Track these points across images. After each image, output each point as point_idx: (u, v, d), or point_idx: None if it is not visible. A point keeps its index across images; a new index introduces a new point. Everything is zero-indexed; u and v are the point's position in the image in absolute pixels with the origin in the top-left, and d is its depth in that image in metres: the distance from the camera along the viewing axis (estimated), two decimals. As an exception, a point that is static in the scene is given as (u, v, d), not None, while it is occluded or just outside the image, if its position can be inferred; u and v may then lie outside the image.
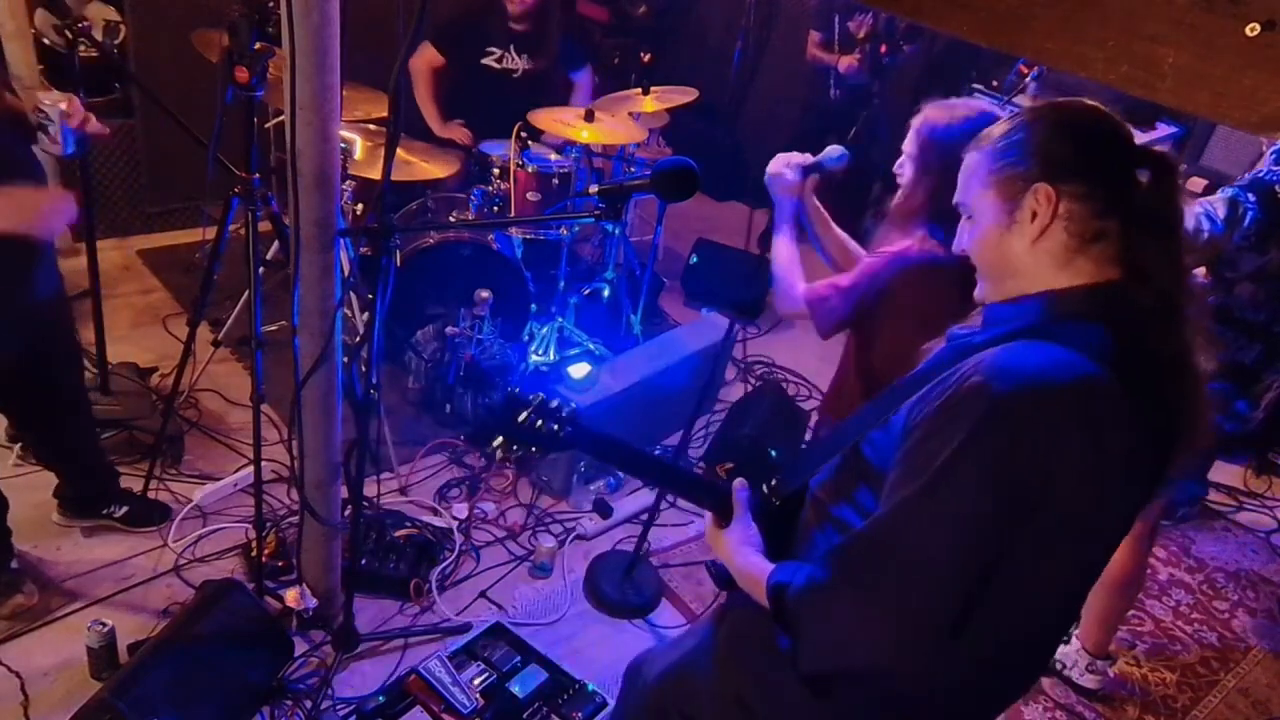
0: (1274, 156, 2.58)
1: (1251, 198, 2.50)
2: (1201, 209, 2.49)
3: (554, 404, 1.48)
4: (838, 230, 2.41)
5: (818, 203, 2.36)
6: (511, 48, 4.17)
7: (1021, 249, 1.25)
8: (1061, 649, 2.94)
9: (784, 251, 2.28)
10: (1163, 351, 1.20)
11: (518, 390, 1.47)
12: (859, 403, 2.27)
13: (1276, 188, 2.48)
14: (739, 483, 1.50)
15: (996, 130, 1.31)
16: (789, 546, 1.46)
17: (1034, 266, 1.25)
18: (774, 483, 1.52)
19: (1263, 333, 2.64)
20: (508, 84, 4.21)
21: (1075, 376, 1.13)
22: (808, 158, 2.29)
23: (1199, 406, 1.24)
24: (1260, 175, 2.55)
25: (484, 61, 4.15)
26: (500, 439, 1.46)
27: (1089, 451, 1.12)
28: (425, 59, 4.17)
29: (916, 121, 2.09)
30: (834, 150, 2.29)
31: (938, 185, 2.02)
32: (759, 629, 1.38)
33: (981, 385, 1.13)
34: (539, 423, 1.45)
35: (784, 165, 2.28)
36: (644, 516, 3.36)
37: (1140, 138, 4.25)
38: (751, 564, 1.40)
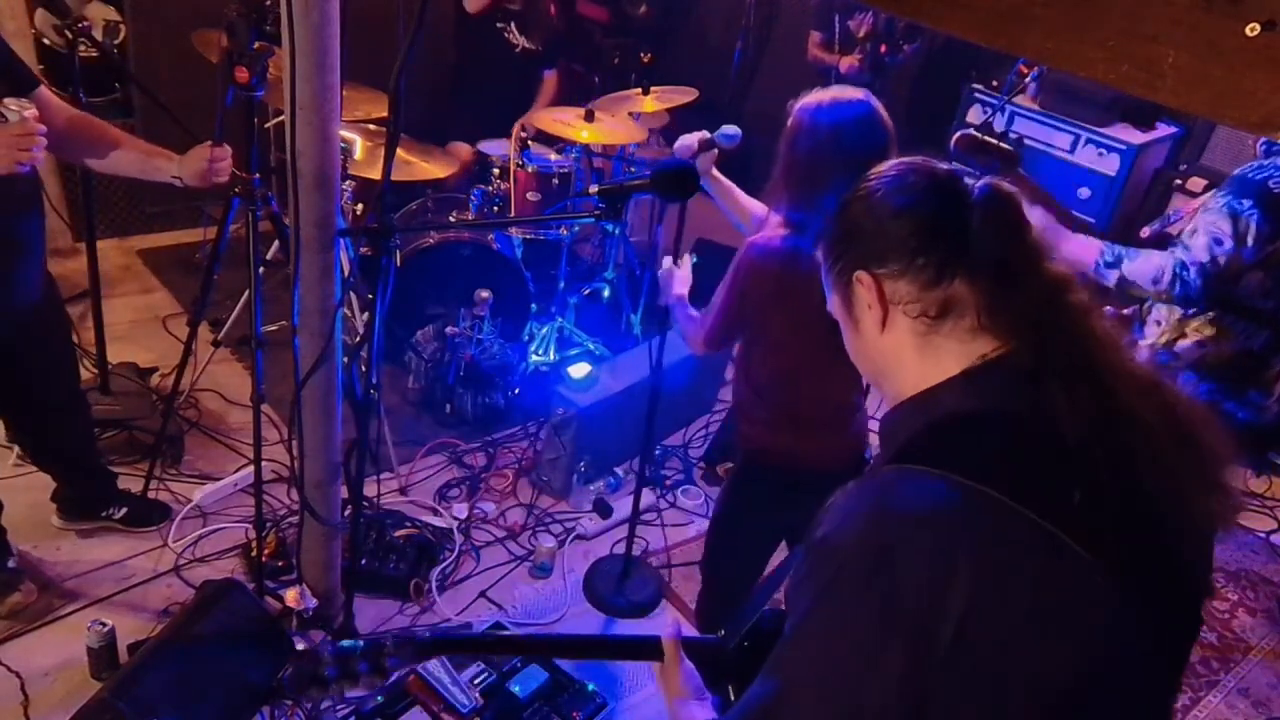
0: (1265, 149, 2.56)
1: (1248, 203, 2.45)
2: (1206, 236, 2.45)
3: (352, 647, 1.27)
4: (744, 198, 2.50)
5: (718, 174, 2.49)
6: (512, 24, 4.30)
7: (875, 348, 1.12)
8: None
9: (677, 302, 2.43)
10: (1085, 421, 0.98)
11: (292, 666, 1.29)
12: (752, 410, 2.29)
13: (1274, 189, 2.45)
14: (669, 619, 1.36)
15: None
16: None
17: (895, 362, 1.10)
18: (723, 632, 1.38)
19: (1271, 319, 2.59)
20: (511, 57, 4.33)
21: (926, 516, 0.95)
22: (704, 134, 2.39)
23: (1177, 469, 1.00)
24: (1249, 176, 2.50)
25: (498, 24, 4.30)
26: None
27: (955, 592, 0.91)
28: None
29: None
30: (728, 129, 2.43)
31: (789, 164, 2.06)
32: None
33: (825, 542, 0.99)
34: (348, 670, 1.25)
35: (682, 143, 2.37)
36: (645, 516, 3.37)
37: (1140, 137, 4.23)
38: (684, 717, 1.25)
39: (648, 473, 3.60)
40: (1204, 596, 1.08)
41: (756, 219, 2.45)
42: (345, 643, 1.25)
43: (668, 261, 2.50)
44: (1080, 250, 2.47)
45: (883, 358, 1.12)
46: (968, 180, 1.09)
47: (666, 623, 1.36)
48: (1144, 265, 2.46)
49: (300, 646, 1.22)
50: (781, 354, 2.18)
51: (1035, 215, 2.53)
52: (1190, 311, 2.64)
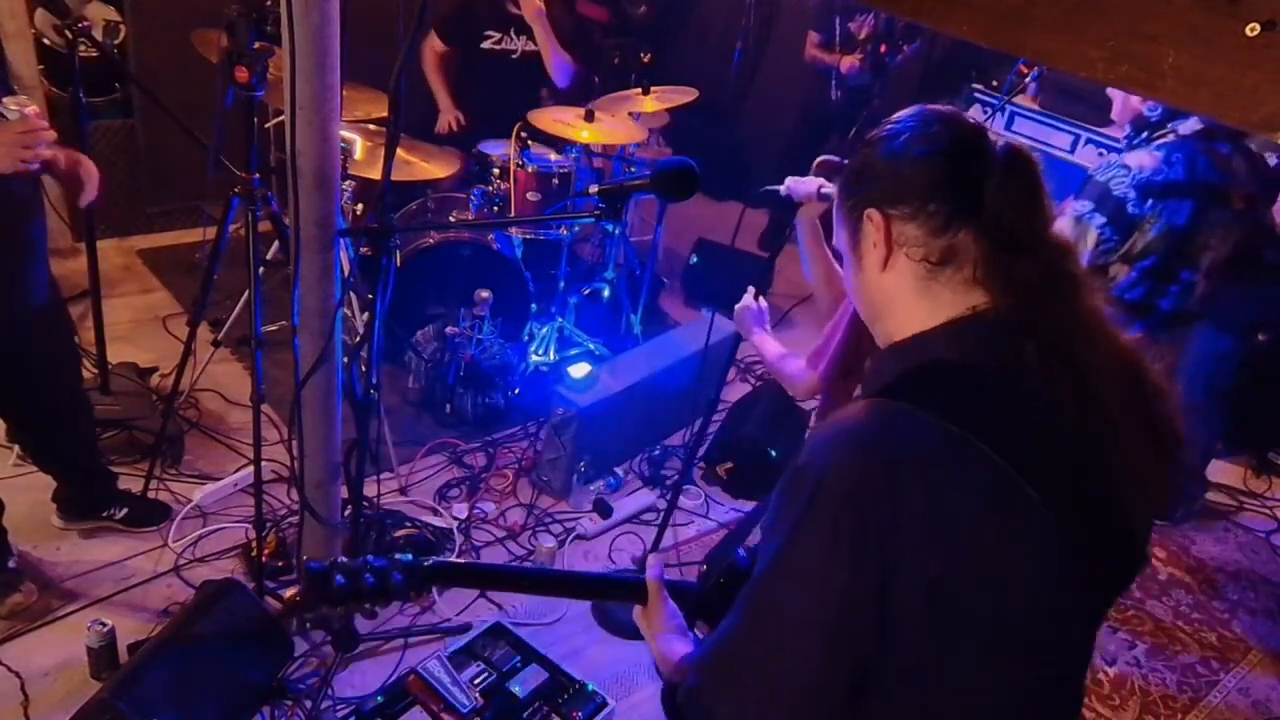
0: (1126, 142, 2.54)
1: (1088, 206, 2.45)
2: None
3: (363, 561, 1.30)
4: (828, 249, 2.40)
5: (819, 224, 2.30)
6: (511, 30, 4.18)
7: (876, 285, 1.15)
8: None
9: (767, 347, 2.28)
10: (1056, 384, 1.03)
11: (312, 564, 1.29)
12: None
13: (1128, 208, 2.43)
14: (652, 559, 1.39)
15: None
16: None
17: (893, 304, 1.14)
18: (705, 567, 1.44)
19: (1141, 309, 2.59)
20: (507, 66, 4.22)
21: (896, 446, 1.01)
22: (825, 185, 2.19)
23: (1135, 447, 1.07)
24: (1095, 178, 2.49)
25: (483, 46, 4.17)
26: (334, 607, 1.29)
27: (920, 520, 0.97)
28: (430, 46, 4.20)
29: None
30: None
31: None
32: None
33: (803, 468, 1.04)
34: (354, 582, 1.27)
35: (801, 189, 2.20)
36: (645, 516, 3.37)
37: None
38: (667, 651, 1.29)
39: (647, 473, 3.62)
40: (1139, 563, 1.16)
41: (835, 274, 2.36)
42: (355, 560, 1.29)
43: (747, 298, 2.40)
44: None
45: (881, 297, 1.15)
46: (991, 138, 1.11)
47: (651, 563, 1.38)
48: None
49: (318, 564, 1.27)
50: None
51: None
52: None
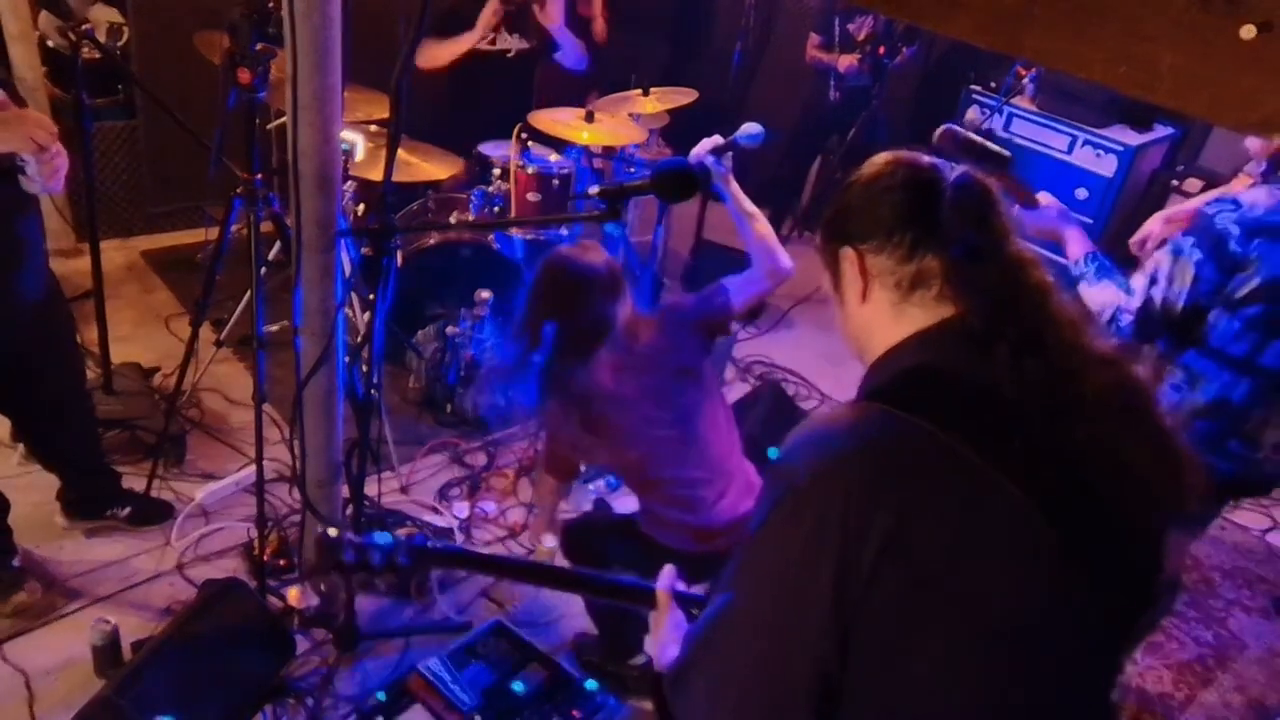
0: (1231, 200, 2.28)
1: (1190, 240, 2.24)
2: (1145, 276, 2.27)
3: (369, 540, 1.41)
4: (760, 226, 2.41)
5: (736, 188, 2.40)
6: (503, 29, 4.15)
7: (857, 318, 1.22)
8: None
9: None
10: (1026, 381, 1.06)
11: (332, 533, 1.41)
12: None
13: (1230, 244, 2.21)
14: (667, 569, 1.42)
15: None
16: None
17: (873, 331, 1.20)
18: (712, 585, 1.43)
19: (1248, 367, 2.33)
20: (504, 66, 4.20)
21: (864, 442, 1.04)
22: (717, 139, 2.32)
23: (1120, 437, 1.07)
24: (1207, 211, 2.27)
25: (478, 47, 4.13)
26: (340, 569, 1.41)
27: (885, 514, 0.98)
28: (429, 54, 4.14)
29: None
30: (751, 127, 2.34)
31: None
32: None
33: (776, 465, 1.10)
34: (362, 558, 1.39)
35: (694, 153, 2.29)
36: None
37: (1137, 138, 4.17)
38: (663, 656, 1.33)
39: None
40: (1157, 570, 1.11)
41: (762, 249, 2.36)
42: (363, 536, 1.38)
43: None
44: (1073, 243, 2.42)
45: (864, 328, 1.21)
46: (945, 170, 1.20)
47: (665, 572, 1.42)
48: (1096, 295, 2.31)
49: (330, 532, 1.40)
50: None
51: (1047, 200, 2.42)
52: (1163, 351, 2.42)
